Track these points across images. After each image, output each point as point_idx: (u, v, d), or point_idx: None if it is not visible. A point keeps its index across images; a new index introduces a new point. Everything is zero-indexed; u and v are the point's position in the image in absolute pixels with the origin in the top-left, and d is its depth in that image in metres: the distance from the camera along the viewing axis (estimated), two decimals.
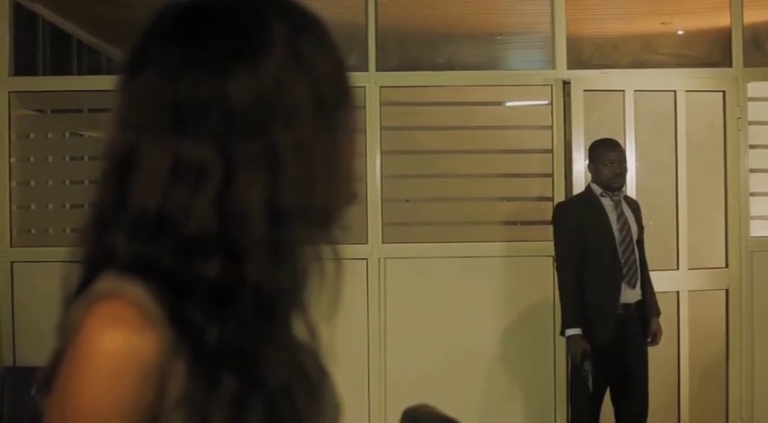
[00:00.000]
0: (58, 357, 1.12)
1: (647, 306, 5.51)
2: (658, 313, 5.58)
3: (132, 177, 1.15)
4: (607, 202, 5.52)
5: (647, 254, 5.60)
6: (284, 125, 1.15)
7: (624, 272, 5.41)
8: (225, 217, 1.13)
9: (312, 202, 1.18)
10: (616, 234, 5.45)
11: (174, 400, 1.10)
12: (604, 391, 5.45)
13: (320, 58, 1.21)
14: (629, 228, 5.50)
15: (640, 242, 5.55)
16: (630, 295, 5.41)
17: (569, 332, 5.37)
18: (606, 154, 5.50)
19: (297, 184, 1.16)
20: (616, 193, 5.54)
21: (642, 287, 5.48)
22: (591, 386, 5.38)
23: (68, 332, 1.12)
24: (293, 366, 1.21)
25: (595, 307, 5.37)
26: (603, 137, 5.71)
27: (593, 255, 5.43)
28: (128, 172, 1.16)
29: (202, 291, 1.13)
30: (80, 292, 1.16)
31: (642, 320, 5.49)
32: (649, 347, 5.53)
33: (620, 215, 5.50)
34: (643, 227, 5.62)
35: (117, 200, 1.16)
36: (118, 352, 1.08)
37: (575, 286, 5.39)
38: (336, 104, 1.22)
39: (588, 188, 5.61)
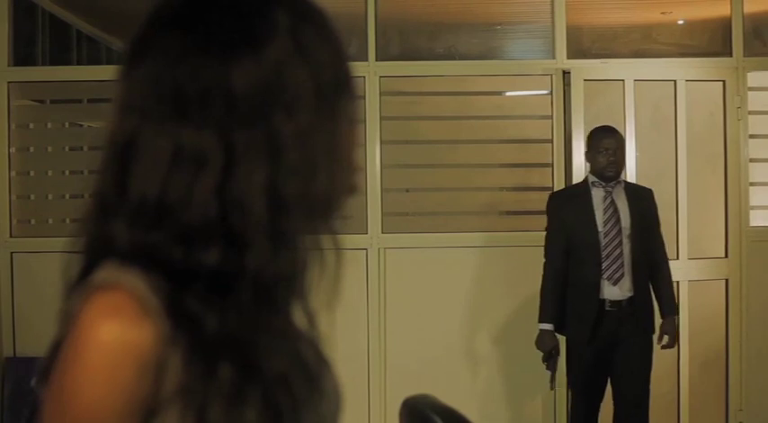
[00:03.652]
0: (57, 348, 1.12)
1: (663, 305, 5.34)
2: (671, 312, 5.39)
3: (133, 165, 1.15)
4: (597, 193, 5.33)
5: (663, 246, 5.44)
6: (285, 113, 1.16)
7: (604, 267, 5.21)
8: (225, 204, 1.13)
9: (312, 190, 1.18)
10: (599, 227, 5.25)
11: (171, 390, 1.10)
12: (602, 383, 5.32)
13: (322, 48, 1.21)
14: (618, 220, 5.26)
15: (644, 235, 5.29)
16: (614, 293, 5.21)
17: (540, 326, 5.31)
18: (601, 141, 5.32)
19: (297, 173, 1.16)
20: (610, 182, 5.32)
21: (636, 284, 5.22)
22: (551, 385, 5.38)
23: (67, 322, 1.12)
24: (292, 356, 1.21)
25: (574, 303, 5.26)
26: (602, 124, 5.58)
27: (576, 248, 5.28)
28: (129, 160, 1.16)
29: (202, 279, 1.13)
30: (80, 281, 1.16)
31: (638, 318, 5.23)
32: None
33: (609, 206, 5.28)
34: (653, 217, 5.41)
35: (118, 188, 1.16)
36: (114, 343, 1.08)
37: (554, 280, 5.29)
38: (337, 94, 1.22)
39: (585, 178, 5.46)
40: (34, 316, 5.91)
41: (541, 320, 5.32)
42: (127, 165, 1.16)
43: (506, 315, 6.14)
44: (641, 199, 5.40)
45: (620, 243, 5.24)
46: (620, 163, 5.36)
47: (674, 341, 5.43)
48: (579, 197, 5.37)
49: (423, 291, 6.17)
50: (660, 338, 5.36)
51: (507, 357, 6.16)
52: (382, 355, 6.17)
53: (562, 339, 5.38)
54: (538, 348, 5.31)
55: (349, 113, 1.25)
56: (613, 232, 5.24)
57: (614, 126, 5.51)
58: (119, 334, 1.08)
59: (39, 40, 6.96)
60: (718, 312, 6.27)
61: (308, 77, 1.18)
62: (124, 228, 1.15)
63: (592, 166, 5.40)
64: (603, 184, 5.33)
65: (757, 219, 6.32)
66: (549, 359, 5.30)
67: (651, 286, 5.35)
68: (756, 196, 6.33)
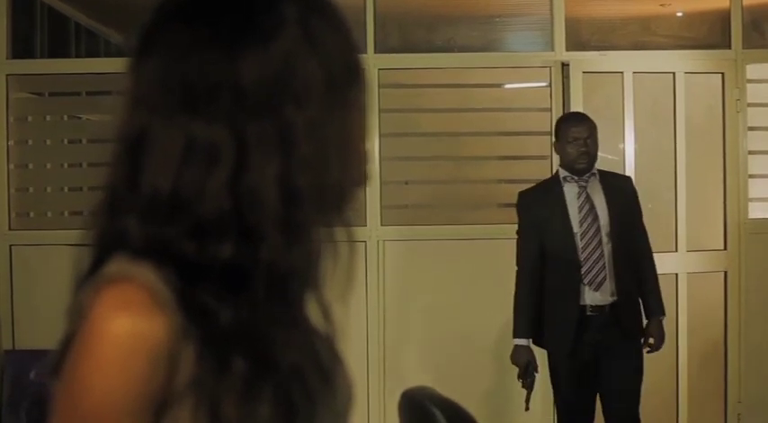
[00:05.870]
0: (68, 341, 1.12)
1: (648, 305, 4.92)
2: (657, 313, 4.95)
3: (144, 159, 1.15)
4: (570, 189, 4.85)
5: (648, 241, 5.01)
6: (296, 105, 1.15)
7: (584, 271, 4.74)
8: (238, 197, 1.13)
9: (325, 181, 1.18)
10: (575, 227, 4.78)
11: (183, 384, 1.10)
12: (589, 401, 4.92)
13: (331, 38, 1.21)
14: (596, 218, 4.79)
15: (625, 231, 4.85)
16: (596, 297, 4.76)
17: (514, 342, 4.91)
18: (569, 130, 4.84)
19: (309, 164, 1.16)
20: (583, 175, 4.84)
21: (620, 287, 4.78)
22: (526, 405, 4.94)
23: (78, 316, 1.12)
24: (305, 349, 1.21)
25: (551, 312, 4.84)
26: (570, 111, 5.16)
27: (551, 252, 4.81)
28: (140, 154, 1.15)
29: (215, 273, 1.13)
30: (91, 275, 1.15)
31: (623, 324, 4.82)
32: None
33: (585, 203, 4.81)
34: (634, 209, 4.98)
35: (129, 182, 1.16)
36: (126, 336, 1.08)
37: (529, 290, 4.85)
38: (347, 84, 1.22)
39: (556, 173, 5.03)
40: (33, 308, 5.92)
41: (516, 335, 4.91)
42: (138, 159, 1.15)
43: (505, 307, 6.13)
44: (619, 190, 4.94)
45: (600, 243, 4.78)
46: (592, 153, 4.86)
47: (661, 344, 4.98)
48: (550, 195, 4.89)
49: (422, 283, 6.17)
50: (645, 341, 4.94)
51: (506, 349, 6.15)
52: (381, 346, 6.17)
53: (542, 353, 5.01)
54: (514, 364, 4.95)
55: (360, 103, 1.24)
56: (591, 232, 4.78)
57: (585, 112, 5.18)
58: (131, 327, 1.08)
59: (37, 32, 6.95)
60: (716, 305, 6.27)
61: (318, 68, 1.18)
62: (136, 222, 1.15)
63: (561, 159, 4.94)
64: (576, 177, 4.85)
65: (756, 211, 6.32)
66: (526, 376, 4.90)
67: (637, 285, 4.95)
68: (755, 188, 6.32)
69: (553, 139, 5.12)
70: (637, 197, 5.03)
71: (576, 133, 4.84)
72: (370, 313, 6.14)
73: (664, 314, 5.02)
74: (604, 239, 4.80)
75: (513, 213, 6.35)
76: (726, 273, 6.27)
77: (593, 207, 4.83)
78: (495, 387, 6.16)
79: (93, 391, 1.08)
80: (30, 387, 5.76)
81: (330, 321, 1.23)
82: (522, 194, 5.12)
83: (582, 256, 4.77)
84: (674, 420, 6.16)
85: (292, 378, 1.16)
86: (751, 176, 6.28)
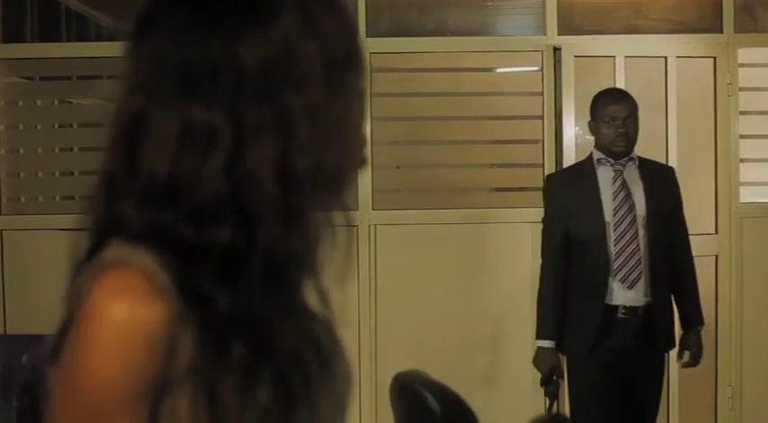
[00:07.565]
0: (66, 326, 1.12)
1: (686, 313, 4.58)
2: (696, 322, 4.59)
3: (142, 143, 1.15)
4: (605, 173, 4.41)
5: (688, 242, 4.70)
6: (295, 88, 1.15)
7: (616, 266, 4.30)
8: (236, 182, 1.13)
9: (323, 165, 1.18)
10: (607, 215, 4.34)
11: (182, 369, 1.10)
12: (611, 411, 4.45)
13: (330, 21, 1.20)
14: (632, 207, 4.36)
15: (663, 225, 4.43)
16: (630, 297, 4.33)
17: (538, 343, 4.47)
18: (606, 108, 4.40)
19: (308, 148, 1.16)
20: (620, 159, 4.41)
21: (655, 286, 4.35)
22: (548, 410, 4.45)
23: (76, 301, 1.11)
24: (304, 334, 1.21)
25: (573, 309, 4.41)
26: (609, 87, 4.78)
27: (578, 243, 4.38)
28: (137, 138, 1.15)
29: (213, 258, 1.13)
30: (88, 260, 1.15)
31: (654, 331, 4.40)
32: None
33: (620, 190, 4.39)
34: (675, 202, 4.58)
35: (126, 166, 1.16)
36: (125, 322, 1.08)
37: (554, 286, 4.41)
38: (347, 67, 1.22)
39: (590, 155, 4.55)
40: (25, 293, 5.91)
41: (540, 336, 4.48)
42: (135, 143, 1.15)
43: (496, 291, 6.14)
44: (659, 179, 4.52)
45: (636, 235, 4.36)
46: (631, 135, 4.41)
47: (699, 358, 4.63)
48: (582, 179, 4.46)
49: (413, 267, 6.17)
50: (680, 354, 4.62)
51: (497, 333, 6.17)
52: (373, 331, 6.17)
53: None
54: (536, 368, 4.52)
55: (358, 87, 1.24)
56: (626, 222, 4.35)
57: (622, 88, 4.79)
58: (129, 312, 1.08)
59: (28, 16, 6.92)
60: (707, 288, 6.26)
61: (317, 52, 1.17)
62: (133, 207, 1.14)
63: (596, 140, 4.48)
64: (612, 161, 4.42)
65: (747, 195, 6.33)
66: (549, 383, 4.42)
67: (673, 289, 4.57)
68: (746, 172, 6.33)
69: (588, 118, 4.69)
70: (679, 190, 4.65)
71: (613, 112, 4.41)
72: (361, 297, 6.14)
73: (703, 323, 4.68)
74: (641, 232, 4.38)
75: (504, 197, 6.41)
76: (717, 257, 6.28)
77: (629, 194, 4.41)
78: (486, 371, 6.18)
79: (92, 377, 1.08)
80: (21, 372, 5.76)
81: (328, 306, 1.23)
82: (549, 178, 4.82)
83: (615, 249, 4.35)
84: (664, 403, 6.17)
85: (291, 363, 1.16)
86: (742, 161, 6.29)
